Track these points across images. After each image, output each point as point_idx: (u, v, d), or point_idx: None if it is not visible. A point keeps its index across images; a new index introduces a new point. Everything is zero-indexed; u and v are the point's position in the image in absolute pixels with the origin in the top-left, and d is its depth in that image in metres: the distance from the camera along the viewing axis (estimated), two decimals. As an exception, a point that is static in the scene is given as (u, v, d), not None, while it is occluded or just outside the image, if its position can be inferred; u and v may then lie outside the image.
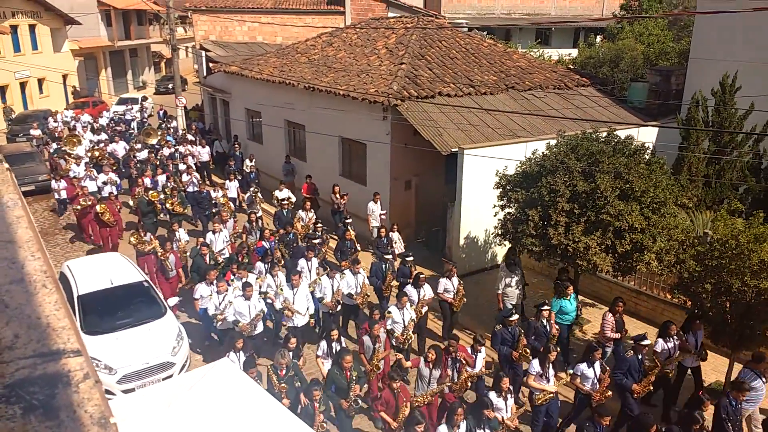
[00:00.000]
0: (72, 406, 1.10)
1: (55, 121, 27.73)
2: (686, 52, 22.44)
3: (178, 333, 9.77)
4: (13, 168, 2.99)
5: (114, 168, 18.90)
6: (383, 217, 14.54)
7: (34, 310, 1.38)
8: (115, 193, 16.35)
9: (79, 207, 15.12)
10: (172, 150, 21.21)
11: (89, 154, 20.05)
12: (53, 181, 17.49)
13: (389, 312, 9.32)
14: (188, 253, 12.45)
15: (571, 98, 16.63)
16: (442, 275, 10.90)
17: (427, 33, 18.19)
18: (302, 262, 11.38)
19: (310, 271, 11.29)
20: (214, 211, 15.60)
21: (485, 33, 24.44)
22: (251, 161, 19.53)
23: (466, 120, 14.15)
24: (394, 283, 11.50)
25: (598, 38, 34.90)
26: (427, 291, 10.47)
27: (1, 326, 1.32)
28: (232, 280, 10.52)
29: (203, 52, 26.38)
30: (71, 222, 17.33)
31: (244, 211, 16.33)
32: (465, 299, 10.71)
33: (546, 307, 9.47)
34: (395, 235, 13.38)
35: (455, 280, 10.73)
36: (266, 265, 11.41)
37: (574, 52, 31.75)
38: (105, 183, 16.93)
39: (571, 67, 23.78)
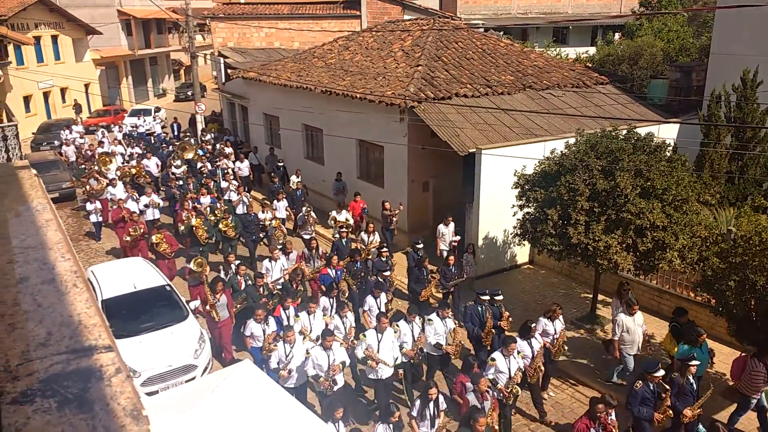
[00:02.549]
0: (105, 399, 1.14)
1: (71, 132, 26.35)
2: (706, 48, 22.12)
3: (200, 336, 9.89)
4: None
5: (148, 185, 17.38)
6: (455, 243, 13.16)
7: (65, 309, 1.43)
8: (155, 217, 15.24)
9: (128, 238, 13.49)
10: (214, 167, 19.40)
11: (119, 172, 18.35)
12: (87, 203, 16.34)
13: (493, 359, 7.86)
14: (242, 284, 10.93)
15: (589, 96, 16.49)
16: (544, 315, 9.24)
17: (443, 34, 18.18)
18: (370, 300, 9.89)
19: (379, 310, 9.80)
20: (261, 235, 14.62)
21: (501, 33, 24.36)
22: (298, 177, 17.59)
23: (484, 120, 14.12)
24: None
25: (617, 36, 34.58)
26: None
27: (35, 324, 1.38)
28: (297, 316, 9.35)
29: (221, 59, 26.69)
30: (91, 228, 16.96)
31: (293, 233, 15.19)
32: (566, 346, 9.12)
33: (695, 362, 7.72)
34: (469, 258, 12.23)
35: (558, 323, 9.09)
36: (332, 300, 10.04)
37: (592, 50, 31.48)
38: (147, 206, 15.42)
39: (590, 65, 23.58)
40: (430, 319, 9.01)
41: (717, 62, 15.68)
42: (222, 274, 11.34)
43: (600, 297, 11.88)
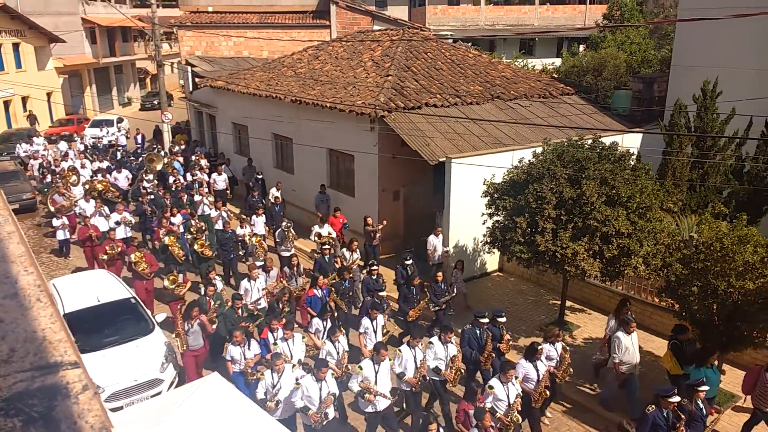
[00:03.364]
0: (72, 417, 1.10)
1: (32, 144, 25.42)
2: (668, 60, 22.82)
3: (167, 349, 9.68)
4: None
5: (119, 202, 16.55)
6: (447, 254, 13.00)
7: (29, 324, 1.38)
8: (127, 235, 14.43)
9: (105, 257, 12.74)
10: (189, 180, 18.73)
11: (86, 186, 17.43)
12: (54, 219, 15.55)
13: (491, 387, 7.51)
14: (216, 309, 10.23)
15: (555, 107, 16.82)
16: (545, 339, 8.85)
17: (412, 45, 18.34)
18: (366, 322, 9.32)
19: (375, 333, 9.31)
20: (241, 253, 14.08)
21: (470, 44, 24.69)
22: (278, 191, 16.92)
23: (453, 130, 14.26)
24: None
25: (581, 47, 35.38)
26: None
27: (-3, 341, 1.33)
28: (274, 344, 8.80)
29: (189, 68, 26.37)
30: (54, 245, 16.44)
31: (272, 250, 14.49)
32: (571, 369, 8.71)
33: (705, 387, 7.45)
34: (458, 274, 12.00)
35: (559, 345, 8.77)
36: (325, 323, 9.52)
37: (558, 62, 32.14)
38: (118, 223, 14.63)
39: (555, 76, 24.07)
40: (431, 342, 8.61)
41: (678, 73, 16.19)
42: (201, 294, 10.92)
43: (568, 303, 12.07)
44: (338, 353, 8.57)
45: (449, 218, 13.24)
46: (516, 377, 7.64)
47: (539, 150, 11.30)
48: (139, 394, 8.95)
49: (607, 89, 21.42)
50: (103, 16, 40.39)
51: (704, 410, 7.38)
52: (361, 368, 7.78)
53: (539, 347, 8.15)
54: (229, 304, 10.34)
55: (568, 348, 8.76)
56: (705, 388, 7.42)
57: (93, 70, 41.76)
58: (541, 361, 8.19)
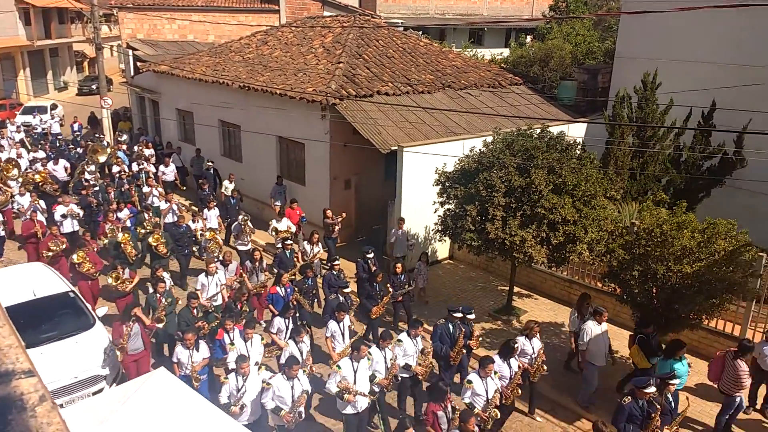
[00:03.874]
0: (32, 433, 0.98)
1: None
2: (611, 52, 23.43)
3: (108, 344, 9.31)
4: None
5: (57, 195, 15.39)
6: (411, 247, 12.77)
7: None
8: (74, 229, 13.48)
9: (49, 254, 11.80)
10: (136, 170, 17.76)
11: (21, 179, 16.10)
12: None
13: (470, 381, 7.35)
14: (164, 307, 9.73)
15: (504, 96, 17.04)
16: (521, 333, 8.79)
17: (363, 32, 18.17)
18: (333, 325, 8.93)
19: (343, 335, 8.91)
20: (195, 248, 13.40)
21: (420, 33, 24.69)
22: (231, 182, 16.33)
23: (405, 118, 14.24)
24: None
25: (529, 38, 35.96)
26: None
27: None
28: (231, 344, 8.40)
29: (130, 51, 25.35)
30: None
31: (227, 245, 13.88)
32: (545, 366, 8.56)
33: (675, 381, 7.52)
34: (421, 266, 11.93)
35: (536, 341, 8.62)
36: (288, 322, 9.18)
37: (506, 52, 32.57)
38: (65, 216, 13.60)
39: (504, 66, 24.38)
40: (399, 340, 8.41)
41: (621, 65, 16.66)
42: (150, 291, 10.33)
43: (515, 289, 12.31)
44: (302, 354, 8.22)
45: (401, 207, 13.24)
46: (495, 372, 7.53)
47: (489, 139, 11.41)
48: (79, 391, 8.57)
49: (553, 80, 21.85)
50: (37, -5, 38.24)
51: (673, 403, 7.40)
52: (339, 367, 7.51)
53: (515, 345, 8.02)
54: (180, 302, 9.95)
55: (542, 347, 8.66)
56: (676, 381, 7.48)
57: (27, 53, 39.57)
58: (515, 358, 8.08)
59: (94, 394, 8.59)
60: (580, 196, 10.23)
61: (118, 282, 10.72)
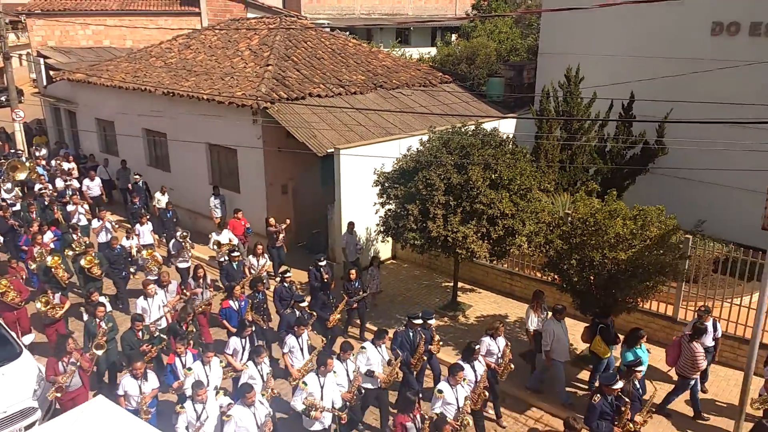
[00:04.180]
0: None
1: None
2: (533, 48, 24.22)
3: (38, 374, 8.71)
4: None
5: None
6: (360, 251, 12.81)
7: None
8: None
9: None
10: (61, 187, 16.53)
11: None
12: None
13: (440, 391, 7.14)
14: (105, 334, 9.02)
15: (436, 95, 17.24)
16: (485, 333, 8.70)
17: (291, 34, 17.90)
18: (291, 340, 8.56)
19: (302, 351, 8.59)
20: (132, 269, 12.79)
21: (348, 33, 24.61)
22: (164, 194, 15.46)
23: (339, 120, 14.13)
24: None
25: (454, 37, 36.64)
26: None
27: None
28: (189, 369, 7.83)
29: (41, 60, 23.86)
30: None
31: (167, 262, 12.91)
32: (512, 365, 8.54)
33: (641, 368, 7.69)
34: (374, 271, 11.72)
35: (501, 340, 8.54)
36: (244, 342, 8.70)
37: (433, 51, 33.03)
38: None
39: (432, 65, 24.71)
40: (363, 347, 8.22)
41: (545, 61, 17.23)
42: (85, 318, 9.56)
43: (459, 285, 12.47)
44: (263, 377, 7.83)
45: (341, 209, 13.13)
46: (464, 379, 7.31)
47: (425, 138, 11.50)
48: (10, 426, 7.98)
49: (480, 77, 22.35)
50: (-71, 1, 35.30)
51: (640, 390, 7.58)
52: (305, 384, 7.20)
53: (476, 347, 7.84)
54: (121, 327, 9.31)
55: (509, 343, 8.62)
56: (642, 368, 7.67)
57: None
58: (479, 361, 7.92)
59: (26, 428, 8.03)
60: (516, 190, 10.48)
61: (48, 307, 9.98)
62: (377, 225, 11.58)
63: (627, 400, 7.07)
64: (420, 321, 8.65)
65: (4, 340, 9.09)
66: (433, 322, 8.94)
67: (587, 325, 9.52)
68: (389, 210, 11.21)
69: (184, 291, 10.59)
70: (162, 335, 9.29)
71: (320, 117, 13.92)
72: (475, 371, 7.75)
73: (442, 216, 10.21)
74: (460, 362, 7.61)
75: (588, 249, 8.77)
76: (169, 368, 8.22)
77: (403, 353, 8.47)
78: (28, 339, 9.58)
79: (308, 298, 10.72)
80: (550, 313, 9.29)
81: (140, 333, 8.89)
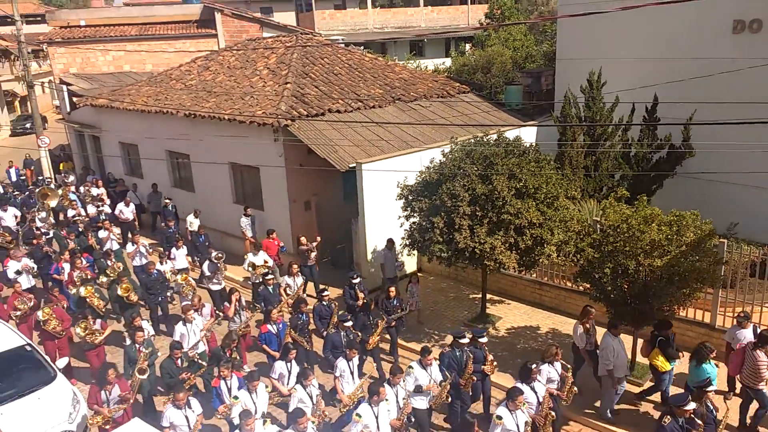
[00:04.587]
0: None
1: None
2: (549, 54, 24.14)
3: (73, 396, 8.77)
4: None
5: (11, 247, 14.01)
6: (399, 270, 12.49)
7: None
8: (30, 284, 12.29)
9: (18, 313, 10.95)
10: (94, 213, 16.69)
11: None
12: None
13: (499, 417, 6.75)
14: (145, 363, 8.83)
15: (454, 105, 17.20)
16: (543, 360, 8.08)
17: (307, 51, 18.04)
18: (342, 364, 8.22)
19: (353, 375, 8.24)
20: (168, 294, 12.56)
21: (362, 48, 24.77)
22: (197, 218, 15.39)
23: (359, 134, 14.15)
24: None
25: (468, 46, 36.69)
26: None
27: None
28: (235, 398, 7.67)
29: (64, 87, 24.36)
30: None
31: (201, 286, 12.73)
32: (575, 389, 8.06)
33: (712, 387, 7.19)
34: (414, 288, 11.59)
35: (558, 365, 8.00)
36: (289, 366, 8.49)
37: (448, 61, 33.07)
38: (19, 272, 12.59)
39: (449, 75, 24.71)
40: (410, 367, 7.90)
41: (563, 67, 17.11)
42: (127, 342, 9.43)
43: (488, 296, 12.32)
44: (313, 400, 7.61)
45: (365, 224, 13.10)
46: (524, 403, 6.94)
47: (447, 149, 11.44)
48: (46, 450, 8.02)
49: (497, 85, 22.29)
50: (-44, 34, 36.40)
51: (714, 411, 7.06)
52: (359, 416, 6.91)
53: (533, 367, 7.44)
54: (160, 354, 9.27)
55: (568, 367, 8.20)
56: (713, 387, 7.18)
57: (-50, 95, 37.57)
58: (539, 381, 7.56)
59: (63, 452, 8.06)
60: (543, 199, 10.35)
61: (87, 333, 9.94)
62: (402, 238, 11.51)
63: (700, 422, 6.70)
64: (466, 341, 8.30)
65: (39, 365, 9.17)
66: (485, 340, 8.58)
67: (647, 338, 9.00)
68: (414, 223, 11.14)
69: (218, 313, 10.52)
70: (201, 361, 9.21)
71: (340, 132, 13.96)
72: (535, 392, 7.39)
73: (468, 227, 10.11)
74: (519, 385, 7.25)
75: (621, 256, 8.60)
76: (214, 392, 8.10)
77: (451, 374, 8.13)
78: (62, 362, 9.63)
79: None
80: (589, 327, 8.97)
81: (179, 360, 8.81)
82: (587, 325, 9.05)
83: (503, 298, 12.97)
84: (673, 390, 8.68)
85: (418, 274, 14.38)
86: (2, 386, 8.64)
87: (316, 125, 13.87)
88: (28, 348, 9.37)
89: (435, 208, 10.53)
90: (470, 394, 8.53)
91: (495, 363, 8.58)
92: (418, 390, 7.85)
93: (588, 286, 9.49)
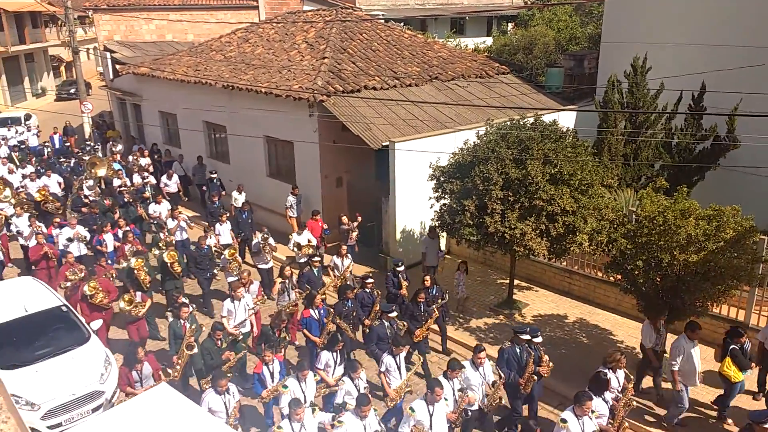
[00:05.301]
0: None
1: None
2: (594, 37, 23.42)
3: (106, 358, 9.08)
4: None
5: (60, 213, 14.14)
6: (441, 258, 12.19)
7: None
8: (81, 253, 12.09)
9: (68, 284, 10.83)
10: (140, 183, 16.65)
11: (14, 200, 14.83)
12: None
13: (564, 421, 6.47)
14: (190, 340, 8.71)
15: (493, 86, 16.89)
16: (604, 365, 7.52)
17: (347, 26, 17.89)
18: (389, 360, 7.92)
19: (399, 370, 7.93)
20: (216, 270, 12.22)
21: (402, 24, 24.44)
22: (241, 194, 15.19)
23: (394, 113, 14.04)
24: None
25: (510, 26, 35.86)
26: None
27: None
28: (284, 387, 7.37)
29: (108, 54, 24.79)
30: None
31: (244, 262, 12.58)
32: (635, 402, 7.68)
33: None
34: (461, 277, 11.26)
35: (621, 373, 7.53)
36: (335, 356, 8.17)
37: (489, 41, 32.42)
38: (71, 240, 12.45)
39: (488, 55, 24.25)
40: (462, 366, 7.53)
41: (607, 50, 16.56)
42: (170, 318, 9.51)
43: (516, 282, 12.21)
44: (360, 392, 7.29)
45: (395, 203, 13.07)
46: (592, 411, 6.55)
47: (482, 131, 11.26)
48: (78, 408, 8.35)
49: (538, 67, 21.77)
50: (9, 0, 37.27)
51: None
52: (413, 410, 6.71)
53: (608, 377, 6.94)
54: (204, 329, 9.12)
55: (631, 377, 7.83)
56: None
57: (1, 60, 38.66)
58: (610, 390, 7.04)
59: (94, 411, 8.39)
60: (577, 186, 10.13)
61: (131, 306, 10.01)
62: (432, 220, 11.45)
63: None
64: (527, 336, 7.89)
65: (74, 326, 9.50)
66: (539, 340, 8.07)
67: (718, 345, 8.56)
68: (444, 205, 11.06)
69: (265, 292, 10.46)
70: (242, 343, 9.05)
71: (375, 110, 13.87)
72: (606, 403, 6.97)
73: (499, 211, 9.99)
74: (589, 391, 6.82)
75: (656, 249, 8.38)
76: (256, 377, 7.94)
77: (510, 373, 7.76)
78: (96, 324, 9.97)
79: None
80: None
81: (219, 341, 8.65)
82: (657, 325, 8.59)
83: (531, 285, 12.84)
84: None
85: (447, 256, 14.31)
86: (39, 344, 9.00)
87: (351, 102, 13.82)
88: (64, 309, 9.72)
89: (466, 190, 10.42)
90: (529, 394, 8.02)
91: (551, 364, 8.05)
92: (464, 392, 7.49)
93: (619, 277, 9.29)
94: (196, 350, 8.71)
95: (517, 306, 11.80)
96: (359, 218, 13.08)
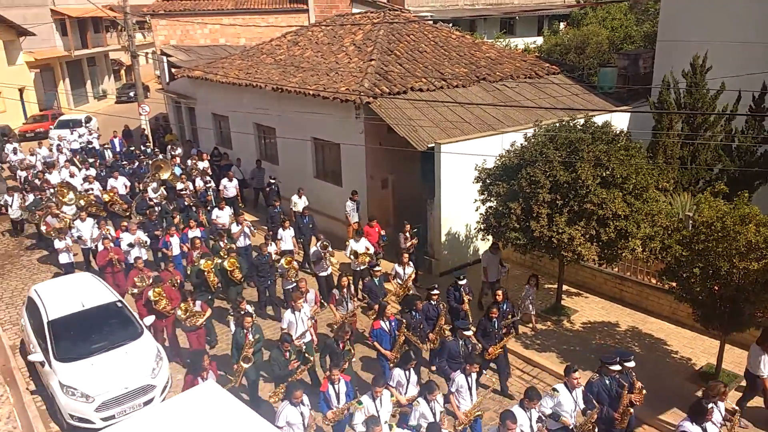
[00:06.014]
0: None
1: (16, 152, 22.34)
2: (650, 35, 22.64)
3: (157, 353, 9.37)
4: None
5: (127, 215, 14.30)
6: (505, 272, 11.45)
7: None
8: (142, 256, 11.91)
9: (135, 290, 10.84)
10: (202, 187, 16.67)
11: (82, 202, 15.05)
12: (56, 241, 13.20)
13: (555, 390, 6.58)
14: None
15: (542, 87, 16.55)
16: (706, 397, 6.81)
17: (394, 27, 17.91)
18: (460, 379, 7.45)
19: (470, 390, 7.43)
20: (277, 277, 11.85)
21: (451, 25, 24.29)
22: (301, 198, 14.72)
23: (440, 114, 13.95)
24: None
25: (562, 25, 35.09)
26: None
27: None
28: (359, 403, 7.11)
29: (164, 58, 25.67)
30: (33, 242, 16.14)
31: (302, 269, 12.38)
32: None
33: None
34: (530, 291, 10.69)
35: (722, 405, 6.92)
36: (408, 374, 7.71)
37: (540, 40, 31.84)
38: (132, 245, 12.53)
39: (538, 55, 23.80)
40: (555, 390, 7.03)
41: (664, 49, 15.96)
42: (232, 326, 9.32)
43: (564, 287, 11.91)
44: (436, 416, 6.87)
45: (440, 205, 12.98)
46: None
47: (530, 132, 11.04)
48: (131, 401, 8.66)
49: (591, 67, 21.21)
50: (73, 6, 39.08)
51: None
52: None
53: (709, 406, 6.42)
54: (261, 342, 8.96)
55: (736, 409, 7.45)
56: None
57: (65, 64, 40.61)
58: (712, 422, 6.49)
59: (145, 404, 8.66)
60: (631, 190, 9.79)
61: (188, 315, 9.83)
62: (478, 222, 11.31)
63: None
64: (618, 367, 7.20)
65: (128, 321, 9.85)
66: (632, 364, 7.33)
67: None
68: (490, 207, 10.89)
69: (323, 301, 10.36)
70: (308, 355, 8.78)
71: (421, 111, 13.81)
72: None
73: (546, 215, 9.76)
74: (688, 422, 6.43)
75: (714, 257, 8.00)
76: (321, 396, 7.50)
77: (603, 407, 7.12)
78: (149, 320, 10.31)
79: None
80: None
81: (287, 353, 8.29)
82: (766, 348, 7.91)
83: (580, 291, 12.49)
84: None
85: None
86: (94, 338, 9.38)
87: (397, 103, 13.81)
88: (119, 304, 10.10)
89: (513, 193, 10.24)
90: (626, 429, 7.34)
91: (645, 391, 7.26)
92: (555, 418, 6.95)
93: (674, 284, 8.93)
94: (250, 364, 8.55)
95: (566, 312, 11.51)
96: (407, 225, 12.53)
